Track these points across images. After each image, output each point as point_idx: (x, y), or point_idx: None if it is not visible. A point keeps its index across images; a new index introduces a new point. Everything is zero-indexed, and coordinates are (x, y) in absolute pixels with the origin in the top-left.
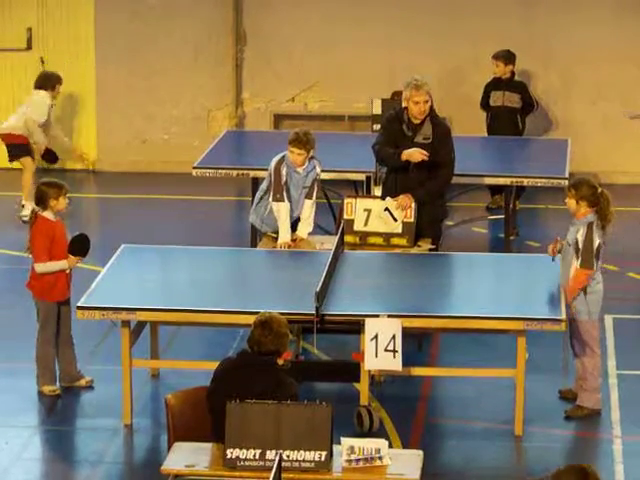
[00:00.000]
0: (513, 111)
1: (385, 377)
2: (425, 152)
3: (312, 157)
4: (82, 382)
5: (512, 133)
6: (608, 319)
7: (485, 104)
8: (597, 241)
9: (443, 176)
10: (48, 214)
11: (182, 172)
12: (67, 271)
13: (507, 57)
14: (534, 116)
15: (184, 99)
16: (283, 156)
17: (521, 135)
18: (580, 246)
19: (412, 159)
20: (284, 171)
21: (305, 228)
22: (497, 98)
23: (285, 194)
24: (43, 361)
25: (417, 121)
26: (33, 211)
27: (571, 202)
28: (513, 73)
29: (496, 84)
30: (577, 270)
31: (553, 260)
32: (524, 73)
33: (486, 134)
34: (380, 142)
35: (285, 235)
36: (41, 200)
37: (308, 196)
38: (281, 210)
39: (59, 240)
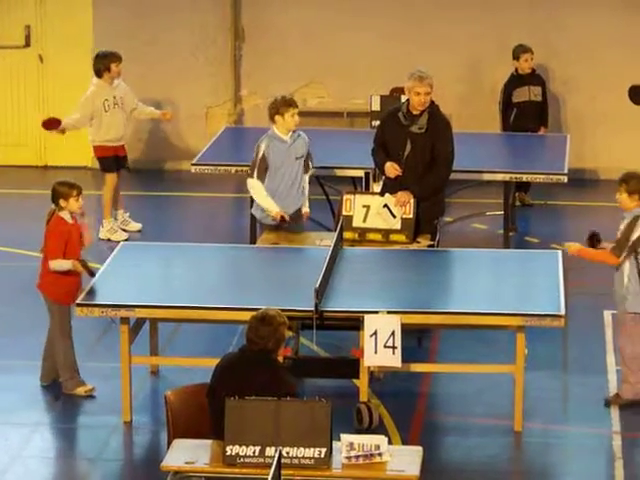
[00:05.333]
0: (538, 105)
1: (384, 373)
2: (399, 169)
3: None
4: None
5: (535, 128)
6: (607, 315)
7: (507, 103)
8: (636, 234)
9: (441, 171)
10: (64, 214)
11: (181, 169)
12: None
13: (532, 50)
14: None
15: (182, 96)
16: (266, 136)
17: (545, 129)
18: (619, 234)
19: (387, 173)
20: (263, 145)
21: (306, 202)
22: (522, 94)
23: (257, 171)
24: (71, 366)
25: (416, 111)
26: (51, 210)
27: (623, 196)
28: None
29: (519, 80)
30: (607, 251)
31: None
32: None
33: (493, 130)
34: (375, 141)
35: (274, 207)
36: (53, 199)
37: (306, 169)
38: (253, 187)
39: (73, 243)
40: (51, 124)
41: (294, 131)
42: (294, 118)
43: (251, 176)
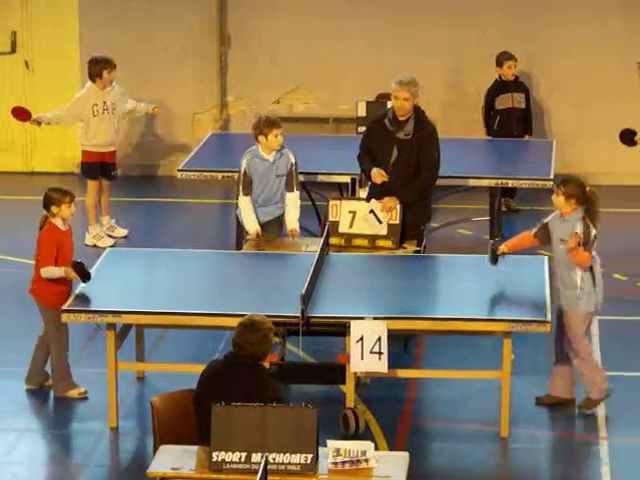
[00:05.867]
0: (521, 112)
1: (370, 379)
2: (385, 175)
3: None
4: (50, 381)
5: (519, 135)
6: (594, 320)
7: (490, 109)
8: (593, 231)
9: (427, 177)
10: (57, 221)
11: (167, 175)
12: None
13: (515, 57)
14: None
15: (168, 102)
16: (249, 151)
17: (530, 136)
18: (582, 237)
19: (373, 179)
20: (244, 162)
21: (294, 219)
22: (505, 101)
23: (242, 187)
24: (63, 370)
25: (402, 118)
26: (43, 216)
27: (559, 199)
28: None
29: (502, 87)
30: (586, 253)
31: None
32: None
33: (480, 135)
34: (361, 147)
35: (252, 226)
36: (45, 205)
37: (289, 188)
38: (240, 202)
39: (66, 250)
40: (20, 114)
41: (280, 150)
42: (277, 139)
43: (238, 193)
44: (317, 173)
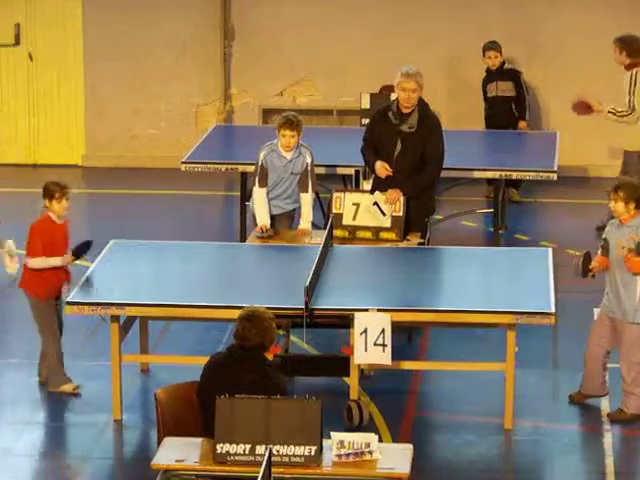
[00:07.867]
0: (507, 100)
1: (374, 371)
2: (389, 168)
3: (301, 144)
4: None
5: (508, 123)
6: (597, 312)
7: (484, 98)
8: None
9: (431, 170)
10: (53, 215)
11: (171, 167)
12: (63, 268)
13: (499, 47)
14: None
15: (172, 94)
16: (269, 144)
17: (524, 121)
18: None
19: (377, 173)
20: (262, 155)
21: (306, 220)
22: (491, 89)
23: (258, 179)
24: (57, 364)
25: (406, 110)
26: (44, 206)
27: (619, 205)
28: (503, 62)
29: (489, 76)
30: None
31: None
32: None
33: (482, 126)
34: (364, 140)
35: (261, 219)
36: (43, 196)
37: (303, 189)
38: (254, 194)
39: (59, 243)
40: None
41: (298, 148)
42: (285, 139)
43: (254, 184)
44: (321, 165)
